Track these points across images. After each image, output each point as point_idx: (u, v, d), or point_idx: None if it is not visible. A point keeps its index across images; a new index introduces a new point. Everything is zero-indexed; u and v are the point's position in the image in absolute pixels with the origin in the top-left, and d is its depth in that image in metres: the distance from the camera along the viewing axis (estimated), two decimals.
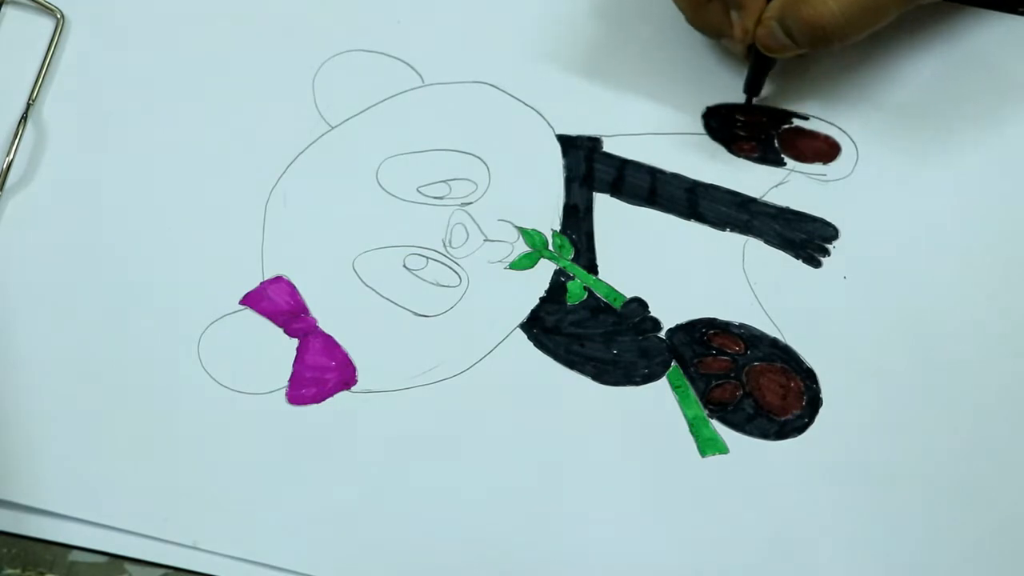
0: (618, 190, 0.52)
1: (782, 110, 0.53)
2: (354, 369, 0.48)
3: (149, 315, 0.49)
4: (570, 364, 0.48)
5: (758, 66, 0.51)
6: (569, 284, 0.50)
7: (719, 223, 0.51)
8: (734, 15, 0.49)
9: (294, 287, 0.50)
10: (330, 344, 0.49)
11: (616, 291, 0.50)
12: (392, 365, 0.48)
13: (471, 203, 0.52)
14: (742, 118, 0.53)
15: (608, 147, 0.52)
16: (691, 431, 0.47)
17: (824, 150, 0.52)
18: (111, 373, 0.48)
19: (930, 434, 0.47)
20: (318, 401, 0.48)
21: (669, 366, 0.48)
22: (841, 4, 0.47)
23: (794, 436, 0.47)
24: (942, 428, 0.47)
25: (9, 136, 0.53)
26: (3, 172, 0.52)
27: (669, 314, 0.49)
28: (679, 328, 0.49)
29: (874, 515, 0.46)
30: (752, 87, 0.52)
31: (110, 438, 0.47)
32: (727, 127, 0.52)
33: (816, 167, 0.52)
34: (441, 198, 0.52)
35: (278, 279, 0.50)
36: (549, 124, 0.53)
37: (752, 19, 0.49)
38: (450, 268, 0.50)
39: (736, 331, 0.49)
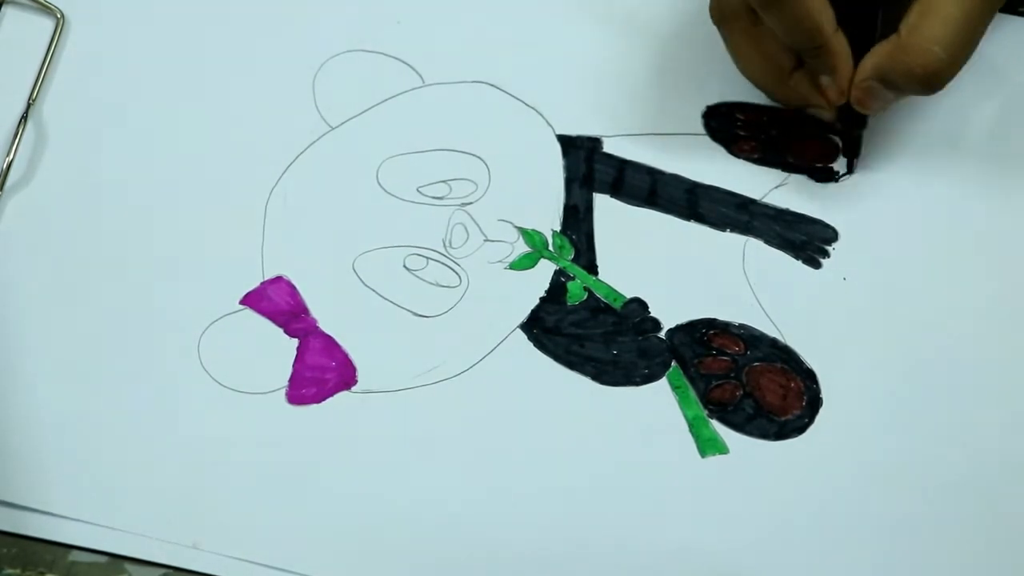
0: (618, 190, 0.52)
1: (783, 111, 0.53)
2: (354, 369, 0.48)
3: (149, 315, 0.49)
4: (570, 364, 0.48)
5: (853, 126, 0.50)
6: (569, 284, 0.50)
7: (719, 224, 0.51)
8: (825, 80, 0.49)
9: (294, 287, 0.50)
10: (330, 344, 0.49)
11: (616, 291, 0.50)
12: (392, 365, 0.48)
13: (471, 203, 0.52)
14: (742, 118, 0.53)
15: (608, 147, 0.52)
16: (691, 431, 0.47)
17: (824, 151, 0.52)
18: (111, 373, 0.48)
19: (930, 434, 0.47)
20: (318, 401, 0.48)
21: (669, 366, 0.48)
22: (944, 44, 0.45)
23: (794, 436, 0.47)
24: (942, 428, 0.47)
25: (9, 136, 0.53)
26: (3, 172, 0.52)
27: (669, 314, 0.49)
28: (679, 328, 0.49)
29: (874, 516, 0.46)
30: (851, 149, 0.51)
31: (110, 438, 0.47)
32: (727, 127, 0.52)
33: (816, 168, 0.52)
34: (441, 198, 0.52)
35: (278, 279, 0.50)
36: (549, 124, 0.53)
37: (846, 79, 0.48)
38: (450, 268, 0.50)
39: (736, 331, 0.49)
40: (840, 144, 0.52)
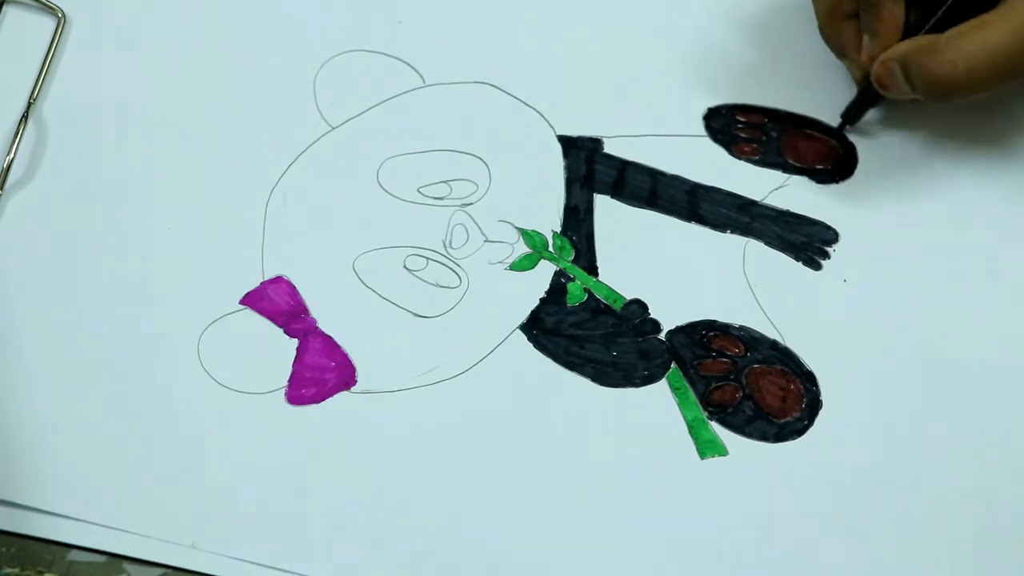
0: (619, 191, 0.52)
1: (784, 112, 0.53)
2: (354, 370, 0.48)
3: (149, 315, 0.49)
4: (569, 366, 0.48)
5: (866, 98, 0.51)
6: (569, 285, 0.50)
7: (720, 225, 0.51)
8: (866, 39, 0.49)
9: (294, 287, 0.50)
10: (330, 344, 0.49)
11: (616, 293, 0.50)
12: (392, 366, 0.48)
13: (471, 204, 0.52)
14: (743, 120, 0.53)
15: (609, 148, 0.52)
16: (690, 433, 0.47)
17: (825, 153, 0.52)
18: (111, 373, 0.48)
19: (930, 437, 0.47)
20: (318, 401, 0.48)
21: (669, 368, 0.48)
22: (969, 64, 0.45)
23: (793, 438, 0.47)
24: (942, 431, 0.47)
25: (9, 135, 0.53)
26: (3, 172, 0.52)
27: (669, 316, 0.49)
28: (679, 330, 0.49)
29: (873, 518, 0.46)
30: (851, 115, 0.51)
31: (110, 438, 0.47)
32: (728, 129, 0.52)
33: (817, 170, 0.52)
34: (442, 198, 0.52)
35: (278, 279, 0.50)
36: (550, 124, 0.53)
37: (881, 49, 0.48)
38: (450, 269, 0.50)
39: (736, 333, 0.49)
40: (840, 147, 0.52)
